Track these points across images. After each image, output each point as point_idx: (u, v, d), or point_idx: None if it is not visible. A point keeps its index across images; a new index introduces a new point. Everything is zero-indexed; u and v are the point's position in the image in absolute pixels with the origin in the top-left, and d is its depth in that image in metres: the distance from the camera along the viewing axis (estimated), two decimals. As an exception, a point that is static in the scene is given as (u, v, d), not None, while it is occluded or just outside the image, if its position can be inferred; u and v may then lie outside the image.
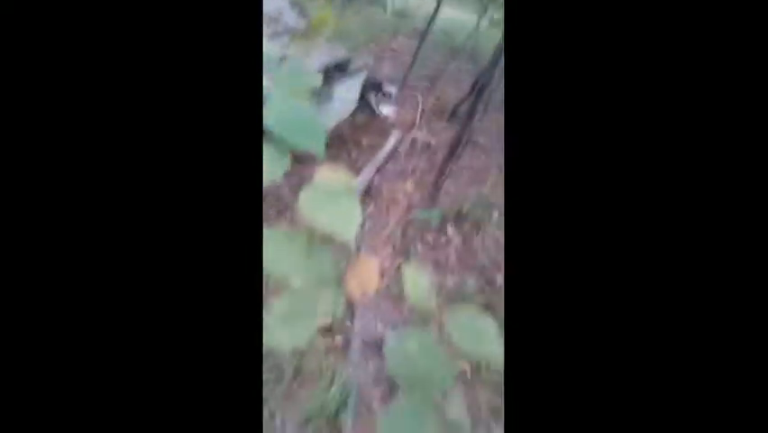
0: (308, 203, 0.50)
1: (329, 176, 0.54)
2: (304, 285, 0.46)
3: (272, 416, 1.51)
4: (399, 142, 3.24)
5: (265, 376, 1.59)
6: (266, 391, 1.56)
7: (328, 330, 1.86)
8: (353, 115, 3.47)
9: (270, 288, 0.42)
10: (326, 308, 0.45)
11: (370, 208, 2.53)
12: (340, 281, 0.48)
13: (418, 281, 0.53)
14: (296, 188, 0.56)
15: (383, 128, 3.38)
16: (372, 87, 3.79)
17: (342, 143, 3.06)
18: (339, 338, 1.83)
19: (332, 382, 1.59)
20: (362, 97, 3.54)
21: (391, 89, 4.01)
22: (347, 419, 1.50)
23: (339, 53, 2.93)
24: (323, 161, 0.58)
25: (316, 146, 0.57)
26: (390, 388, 1.70)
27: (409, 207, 2.59)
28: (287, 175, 0.52)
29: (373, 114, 3.54)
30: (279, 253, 0.46)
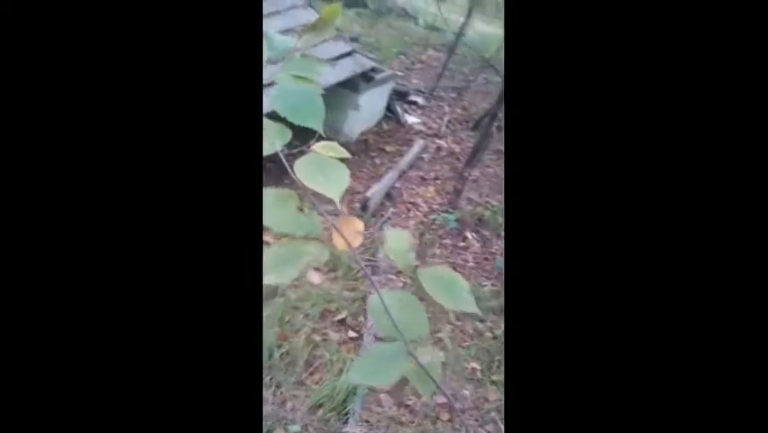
0: (303, 169, 0.57)
1: (323, 148, 0.61)
2: (295, 236, 0.52)
3: (284, 401, 1.58)
4: (423, 149, 3.30)
5: (279, 363, 1.67)
6: (279, 377, 1.63)
7: (342, 323, 1.92)
8: (380, 123, 3.58)
9: (267, 238, 0.49)
10: (313, 256, 0.52)
11: (390, 212, 2.59)
12: (327, 235, 0.54)
13: (399, 242, 0.58)
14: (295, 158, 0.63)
15: (408, 137, 3.46)
16: (400, 96, 3.89)
17: (367, 150, 3.16)
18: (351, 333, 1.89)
19: (341, 372, 1.64)
20: (389, 107, 3.64)
21: (418, 99, 4.09)
22: (355, 408, 1.55)
23: (367, 63, 3.05)
24: (320, 136, 0.65)
25: (316, 123, 0.64)
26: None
27: (429, 212, 2.64)
28: (288, 147, 0.59)
29: (399, 122, 3.62)
30: (275, 208, 0.54)
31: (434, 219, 2.53)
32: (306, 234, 0.53)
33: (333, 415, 1.54)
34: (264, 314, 1.83)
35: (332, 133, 3.06)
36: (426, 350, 0.55)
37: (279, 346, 1.70)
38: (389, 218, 2.53)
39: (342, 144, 0.61)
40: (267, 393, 1.57)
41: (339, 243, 0.55)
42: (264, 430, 1.46)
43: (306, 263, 0.51)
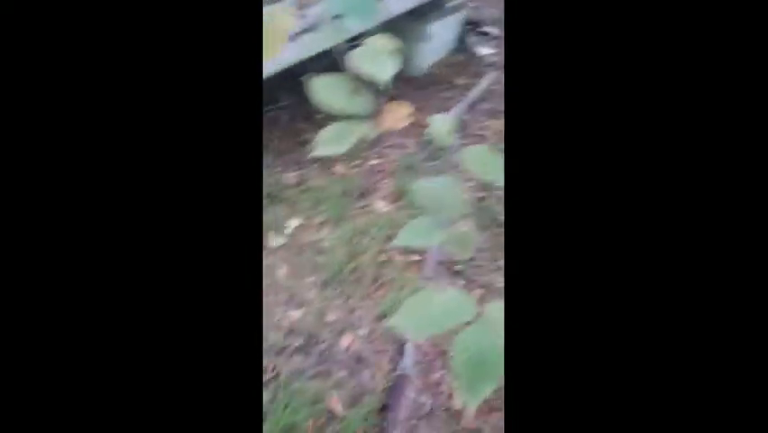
0: (357, 58, 0.62)
1: (375, 41, 0.66)
2: (348, 117, 0.59)
3: (352, 311, 1.74)
4: (495, 81, 3.16)
5: (348, 278, 1.83)
6: (348, 290, 1.80)
7: (407, 250, 2.02)
8: (451, 54, 3.45)
9: (323, 119, 0.55)
10: (362, 134, 0.58)
11: (458, 144, 2.58)
12: (375, 116, 0.60)
13: (442, 125, 0.63)
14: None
15: (480, 69, 3.31)
16: (472, 26, 3.69)
17: (437, 82, 3.10)
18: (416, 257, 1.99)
19: (402, 288, 1.77)
20: (461, 37, 3.48)
21: (492, 29, 3.85)
22: (416, 319, 1.68)
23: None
24: (375, 33, 0.70)
25: (370, 21, 0.68)
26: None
27: (497, 144, 2.58)
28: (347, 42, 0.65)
29: (471, 54, 3.46)
30: (330, 93, 0.60)
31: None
32: (357, 113, 0.59)
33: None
34: (334, 235, 1.98)
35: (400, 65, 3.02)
36: (463, 222, 0.60)
37: (348, 263, 1.86)
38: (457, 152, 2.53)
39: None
40: (338, 302, 1.75)
41: (387, 123, 0.61)
42: (335, 332, 1.65)
43: (357, 139, 0.58)
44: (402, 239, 0.59)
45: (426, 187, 0.61)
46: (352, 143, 0.57)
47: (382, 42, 0.66)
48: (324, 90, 0.60)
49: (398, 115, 0.60)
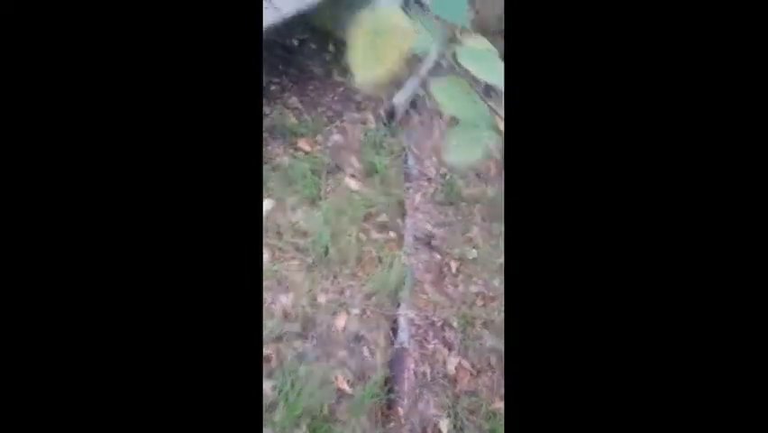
0: (464, 59, 0.63)
1: (473, 39, 0.67)
2: (467, 121, 0.60)
3: (342, 290, 1.76)
4: (441, 56, 3.22)
5: (335, 258, 1.82)
6: (335, 270, 1.80)
7: (383, 226, 2.06)
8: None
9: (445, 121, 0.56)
10: (486, 142, 0.60)
11: (417, 120, 2.62)
12: (494, 123, 0.62)
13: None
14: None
15: (424, 41, 3.34)
16: (413, -3, 3.68)
17: (386, 55, 3.07)
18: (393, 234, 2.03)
19: (391, 265, 1.82)
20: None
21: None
22: (405, 294, 1.75)
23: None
24: (466, 29, 0.70)
25: (460, 19, 0.69)
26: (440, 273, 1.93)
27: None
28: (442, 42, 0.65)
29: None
30: (451, 97, 0.61)
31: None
32: (479, 119, 0.61)
33: (386, 300, 1.74)
34: (315, 215, 1.95)
35: (342, 34, 2.93)
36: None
37: (331, 244, 1.85)
38: (416, 127, 2.57)
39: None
40: (326, 283, 1.74)
41: (500, 124, 0.63)
42: (329, 313, 1.66)
43: (487, 145, 0.60)
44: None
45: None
46: (484, 150, 0.58)
47: (478, 42, 0.67)
48: (445, 94, 0.60)
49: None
